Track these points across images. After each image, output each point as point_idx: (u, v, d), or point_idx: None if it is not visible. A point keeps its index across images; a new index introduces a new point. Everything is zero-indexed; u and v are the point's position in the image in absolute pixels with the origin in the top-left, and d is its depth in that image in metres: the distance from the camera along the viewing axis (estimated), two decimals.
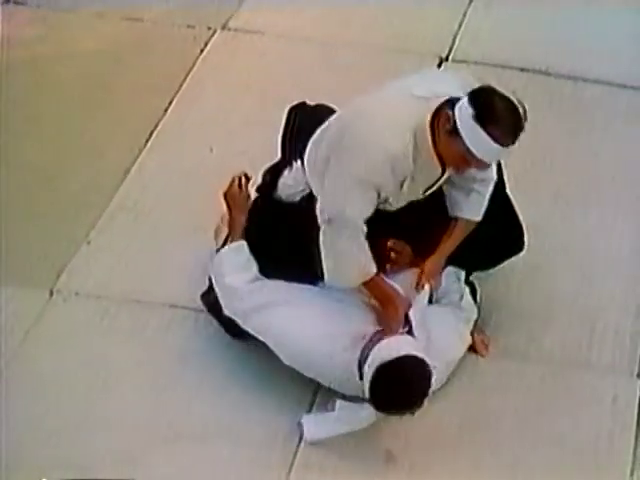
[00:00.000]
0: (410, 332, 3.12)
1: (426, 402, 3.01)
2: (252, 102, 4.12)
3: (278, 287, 3.23)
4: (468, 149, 2.88)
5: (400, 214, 3.13)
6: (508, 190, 3.32)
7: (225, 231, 3.43)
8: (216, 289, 3.29)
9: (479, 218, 3.19)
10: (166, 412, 3.23)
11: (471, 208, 3.18)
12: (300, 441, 3.16)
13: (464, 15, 4.45)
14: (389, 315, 3.12)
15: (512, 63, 4.24)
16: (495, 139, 2.85)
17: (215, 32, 4.39)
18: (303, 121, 3.38)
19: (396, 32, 4.38)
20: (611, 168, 3.87)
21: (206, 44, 4.34)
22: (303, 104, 3.48)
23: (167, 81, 4.17)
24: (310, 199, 3.18)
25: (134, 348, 3.39)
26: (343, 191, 2.99)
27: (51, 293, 3.53)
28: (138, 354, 3.37)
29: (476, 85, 3.00)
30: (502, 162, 3.24)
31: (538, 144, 3.94)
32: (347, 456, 3.14)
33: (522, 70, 4.22)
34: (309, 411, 3.21)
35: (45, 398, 3.24)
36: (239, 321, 3.23)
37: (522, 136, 3.85)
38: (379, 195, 3.01)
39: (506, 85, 4.09)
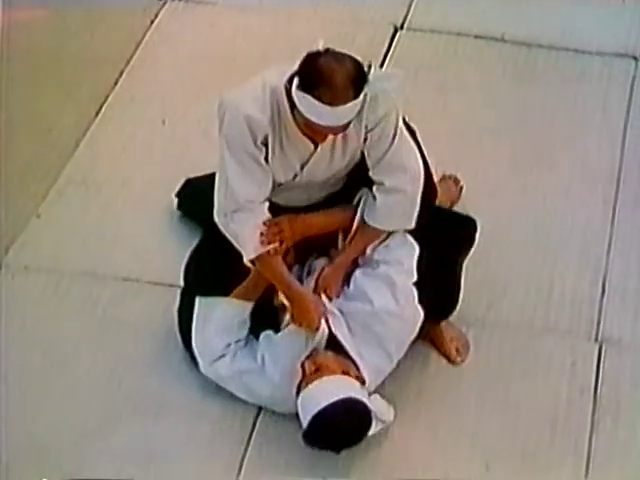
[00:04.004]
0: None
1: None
2: (204, 73, 4.07)
3: (252, 351, 3.13)
4: (306, 117, 2.84)
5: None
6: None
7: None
8: (194, 335, 3.14)
9: (383, 228, 3.10)
10: (122, 387, 3.20)
11: (376, 215, 3.08)
12: (257, 417, 3.13)
13: None
14: (300, 314, 3.05)
15: (467, 30, 4.21)
16: (323, 101, 2.78)
17: (165, 3, 4.32)
18: None
19: (350, 1, 4.33)
20: (566, 133, 3.85)
21: (156, 15, 4.28)
22: None
23: (117, 53, 4.11)
24: None
25: (87, 322, 3.35)
26: (225, 172, 2.96)
27: None
28: (91, 328, 3.34)
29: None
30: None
31: (493, 110, 3.94)
32: None
33: (477, 37, 4.19)
34: None
35: None
36: (212, 378, 3.15)
37: (475, 102, 3.93)
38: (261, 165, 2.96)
39: (461, 53, 4.16)
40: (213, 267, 3.15)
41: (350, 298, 3.10)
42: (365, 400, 2.96)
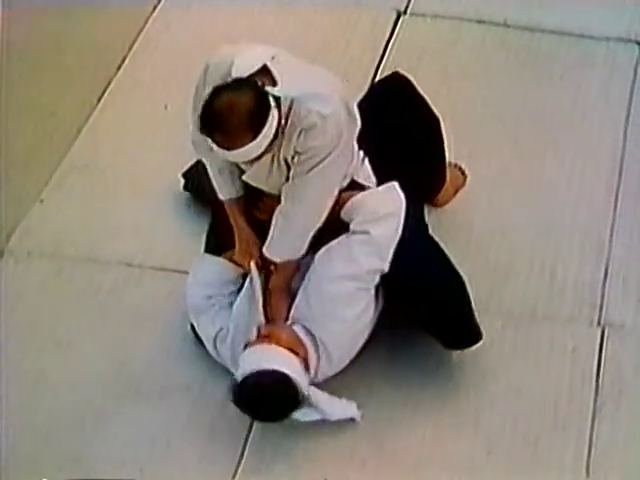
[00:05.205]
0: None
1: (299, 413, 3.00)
2: (206, 59, 4.05)
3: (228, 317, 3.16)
4: None
5: None
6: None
7: None
8: (189, 283, 3.21)
9: (270, 256, 3.07)
10: (124, 370, 3.21)
11: (270, 240, 3.07)
12: None
13: None
14: (239, 253, 3.15)
15: (469, 16, 4.20)
16: (220, 147, 2.81)
17: None
18: None
19: None
20: (568, 118, 3.84)
21: (159, 0, 4.28)
22: None
23: (119, 38, 4.11)
24: None
25: (90, 308, 3.36)
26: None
27: (2, 253, 3.48)
28: (94, 313, 3.34)
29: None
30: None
31: (496, 96, 3.93)
32: None
33: (479, 22, 4.18)
34: None
35: None
36: (202, 336, 3.19)
37: (478, 87, 3.93)
38: None
39: (464, 38, 4.15)
40: (215, 233, 3.27)
41: (299, 299, 3.08)
42: (298, 380, 2.95)
